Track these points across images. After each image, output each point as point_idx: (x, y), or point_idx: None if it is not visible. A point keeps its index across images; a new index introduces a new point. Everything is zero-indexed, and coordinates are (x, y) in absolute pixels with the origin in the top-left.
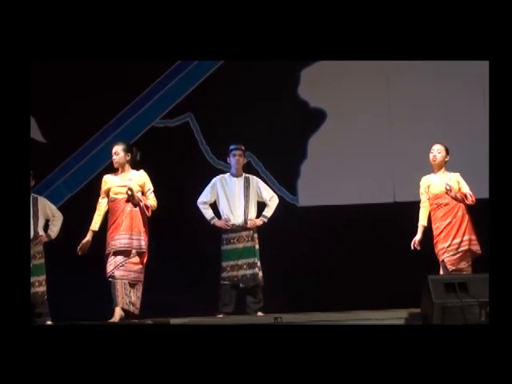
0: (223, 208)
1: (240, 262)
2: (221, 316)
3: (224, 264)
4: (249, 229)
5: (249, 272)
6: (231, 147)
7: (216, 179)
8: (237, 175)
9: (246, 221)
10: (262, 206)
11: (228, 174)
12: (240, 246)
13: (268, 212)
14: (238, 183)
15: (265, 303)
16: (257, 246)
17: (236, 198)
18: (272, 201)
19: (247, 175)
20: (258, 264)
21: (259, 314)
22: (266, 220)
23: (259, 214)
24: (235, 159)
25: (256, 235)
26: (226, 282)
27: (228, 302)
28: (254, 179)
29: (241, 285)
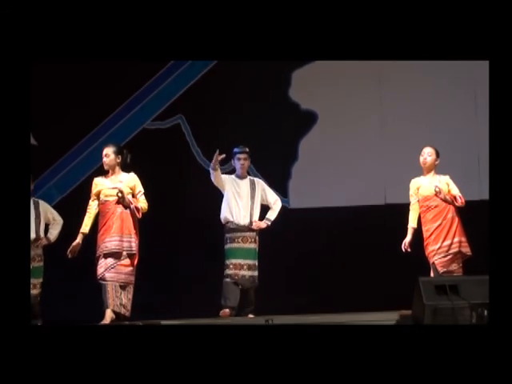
0: (231, 205)
1: (242, 262)
2: (218, 317)
3: (227, 262)
4: (253, 230)
5: (248, 273)
6: (235, 150)
7: (226, 177)
8: (242, 178)
9: (251, 222)
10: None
11: (233, 176)
12: (244, 246)
13: (272, 215)
14: (244, 184)
15: (257, 305)
16: (257, 249)
17: (244, 199)
18: (276, 204)
19: (252, 178)
20: (257, 266)
21: (250, 316)
22: (269, 223)
23: (261, 217)
24: (240, 163)
25: (258, 238)
26: (228, 280)
27: (232, 297)
28: (259, 182)
29: (240, 285)
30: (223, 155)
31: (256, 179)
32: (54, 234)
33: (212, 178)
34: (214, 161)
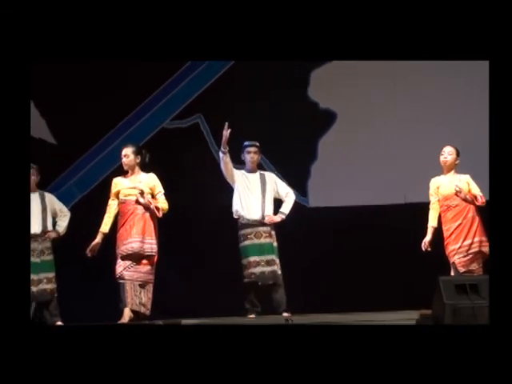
0: (242, 200)
1: (258, 259)
2: (243, 316)
3: (243, 261)
4: (266, 225)
5: (268, 269)
6: (245, 144)
7: (236, 170)
8: (252, 172)
9: (263, 216)
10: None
11: (243, 170)
12: (258, 241)
13: (285, 208)
14: (254, 179)
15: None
16: (275, 244)
17: (253, 194)
18: (288, 196)
19: (262, 172)
20: (277, 261)
21: (285, 314)
22: (283, 217)
23: (275, 211)
24: (250, 156)
25: (274, 232)
26: (246, 280)
27: (253, 300)
28: (270, 176)
29: (259, 283)
30: (229, 130)
31: (267, 173)
32: (62, 226)
33: (222, 166)
34: (223, 139)
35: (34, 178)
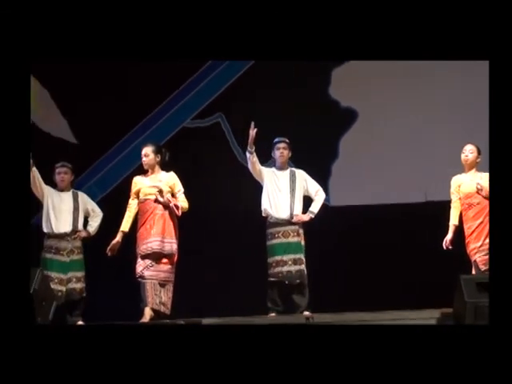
0: (270, 198)
1: (285, 258)
2: (267, 316)
3: (270, 260)
4: (294, 224)
5: (295, 268)
6: (275, 140)
7: (265, 168)
8: (282, 168)
9: (291, 215)
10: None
11: (273, 168)
12: (285, 240)
13: (315, 207)
14: (283, 177)
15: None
16: (303, 242)
17: (282, 192)
18: (318, 195)
19: (293, 169)
20: (304, 261)
21: (306, 313)
22: (312, 216)
23: (305, 209)
24: (279, 152)
25: (302, 231)
26: (272, 279)
27: (276, 299)
28: (300, 173)
29: (286, 282)
30: (256, 129)
31: (297, 170)
32: (94, 226)
33: (249, 166)
34: (250, 139)
35: (68, 177)
